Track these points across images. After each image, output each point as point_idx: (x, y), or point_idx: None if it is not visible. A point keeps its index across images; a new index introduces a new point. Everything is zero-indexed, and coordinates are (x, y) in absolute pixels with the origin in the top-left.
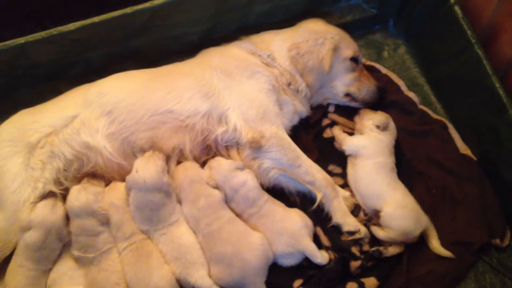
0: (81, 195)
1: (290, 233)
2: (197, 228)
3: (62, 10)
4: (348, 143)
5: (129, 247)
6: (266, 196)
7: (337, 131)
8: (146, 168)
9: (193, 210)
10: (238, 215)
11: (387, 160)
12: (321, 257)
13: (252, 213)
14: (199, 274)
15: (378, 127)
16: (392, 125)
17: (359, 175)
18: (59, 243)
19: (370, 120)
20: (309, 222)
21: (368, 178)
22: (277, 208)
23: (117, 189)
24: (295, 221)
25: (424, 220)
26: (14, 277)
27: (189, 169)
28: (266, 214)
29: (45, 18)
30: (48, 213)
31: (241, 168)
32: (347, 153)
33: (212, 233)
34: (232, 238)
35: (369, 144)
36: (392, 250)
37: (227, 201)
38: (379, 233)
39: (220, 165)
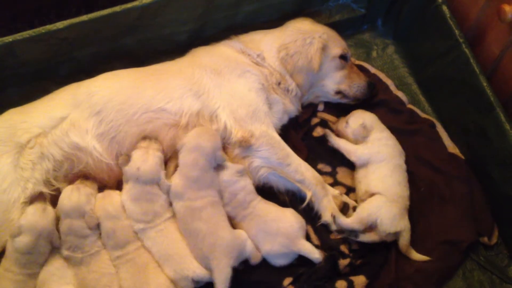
0: (73, 195)
1: (285, 234)
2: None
3: (52, 10)
4: (358, 154)
5: (125, 256)
6: (259, 197)
7: (342, 143)
8: (145, 159)
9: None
10: (232, 218)
11: (399, 160)
12: (318, 254)
13: (246, 214)
14: (194, 266)
15: (364, 127)
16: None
17: (373, 181)
18: (49, 247)
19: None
20: (303, 222)
21: (387, 181)
22: (271, 208)
23: (112, 197)
24: (291, 222)
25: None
26: (1, 282)
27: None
28: (259, 214)
29: (34, 18)
30: (39, 217)
31: (242, 173)
32: (358, 164)
33: (193, 210)
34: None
35: (380, 149)
36: (368, 237)
37: (223, 204)
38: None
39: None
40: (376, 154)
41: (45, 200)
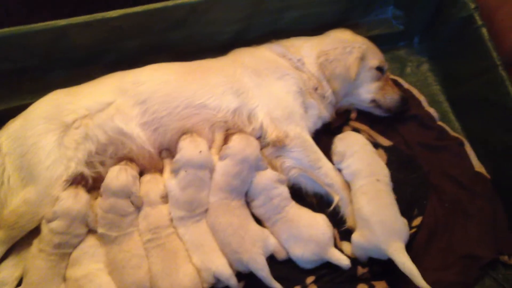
0: (121, 175)
1: (316, 241)
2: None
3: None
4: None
5: (155, 241)
6: (293, 201)
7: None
8: (197, 146)
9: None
10: (263, 220)
11: (370, 186)
12: (347, 260)
13: (279, 218)
14: (221, 262)
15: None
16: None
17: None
18: (84, 229)
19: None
20: (332, 229)
21: (362, 214)
22: (303, 214)
23: (156, 183)
24: (323, 230)
25: None
26: (34, 261)
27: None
28: (292, 219)
29: (88, 4)
30: (72, 202)
31: (282, 182)
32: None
33: (228, 205)
34: (242, 215)
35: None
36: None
37: (257, 206)
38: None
39: (265, 173)
40: (350, 183)
41: (77, 186)
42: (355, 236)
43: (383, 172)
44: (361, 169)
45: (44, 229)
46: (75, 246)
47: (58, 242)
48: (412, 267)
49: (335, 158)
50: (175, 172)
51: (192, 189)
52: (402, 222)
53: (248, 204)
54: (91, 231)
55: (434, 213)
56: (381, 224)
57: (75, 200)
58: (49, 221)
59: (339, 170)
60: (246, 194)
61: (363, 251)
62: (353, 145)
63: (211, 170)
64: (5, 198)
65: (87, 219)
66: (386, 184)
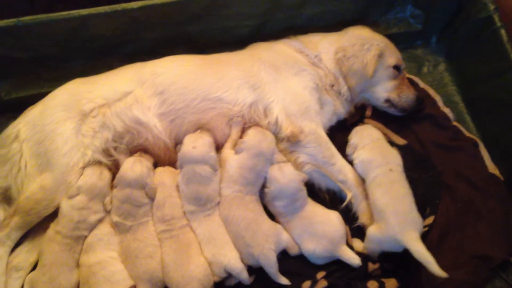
0: (136, 166)
1: (329, 238)
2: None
3: None
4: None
5: (169, 232)
6: (308, 198)
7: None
8: (196, 141)
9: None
10: (279, 215)
11: (383, 176)
12: (358, 259)
13: (295, 216)
14: (233, 255)
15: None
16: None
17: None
18: (101, 207)
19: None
20: (345, 227)
21: (378, 206)
22: (318, 210)
23: (170, 172)
24: (336, 227)
25: None
26: (50, 243)
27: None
28: (307, 216)
29: None
30: (96, 179)
31: (304, 181)
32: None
33: (242, 199)
34: (256, 210)
35: (360, 169)
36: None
37: (280, 206)
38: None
39: (292, 176)
40: (362, 175)
41: (101, 165)
42: (371, 230)
43: (396, 161)
44: (372, 159)
45: (64, 207)
46: (90, 228)
47: (77, 220)
48: (427, 254)
49: (348, 149)
50: (179, 167)
51: (195, 185)
52: (416, 211)
53: (263, 199)
54: (107, 218)
55: (447, 213)
56: (396, 215)
57: (99, 178)
58: (72, 196)
59: (351, 162)
60: (267, 193)
61: (379, 244)
62: (366, 137)
63: (212, 166)
64: (22, 184)
65: (105, 199)
66: (400, 174)
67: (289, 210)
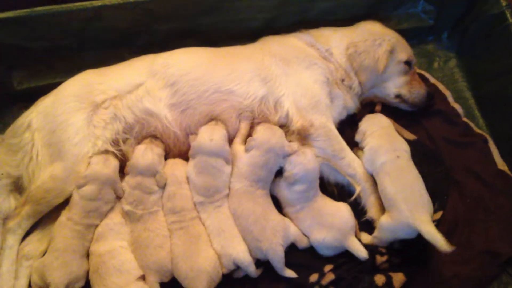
0: (147, 154)
1: (339, 229)
2: None
3: None
4: (364, 165)
5: (179, 223)
6: (319, 191)
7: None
8: (212, 133)
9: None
10: (290, 206)
11: (391, 163)
12: (365, 252)
13: (306, 206)
14: (242, 248)
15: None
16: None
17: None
18: (113, 196)
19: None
20: (354, 218)
21: (387, 194)
22: (328, 202)
23: (181, 164)
24: (345, 218)
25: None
26: (61, 229)
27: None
28: (317, 207)
29: None
30: (101, 167)
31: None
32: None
33: (251, 193)
34: (265, 204)
35: (369, 156)
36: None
37: (296, 191)
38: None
39: (310, 156)
40: (370, 162)
41: (107, 152)
42: (383, 219)
43: (403, 148)
44: (380, 145)
45: (75, 196)
46: (101, 217)
47: (89, 210)
48: (438, 236)
49: (356, 136)
50: (192, 156)
51: (206, 176)
52: (426, 194)
53: (273, 189)
54: (118, 208)
55: (455, 209)
56: (406, 201)
57: (104, 165)
58: (80, 186)
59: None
60: (288, 177)
61: (392, 232)
62: (375, 124)
63: (226, 160)
64: (33, 173)
65: (115, 186)
66: (407, 160)
67: (304, 197)
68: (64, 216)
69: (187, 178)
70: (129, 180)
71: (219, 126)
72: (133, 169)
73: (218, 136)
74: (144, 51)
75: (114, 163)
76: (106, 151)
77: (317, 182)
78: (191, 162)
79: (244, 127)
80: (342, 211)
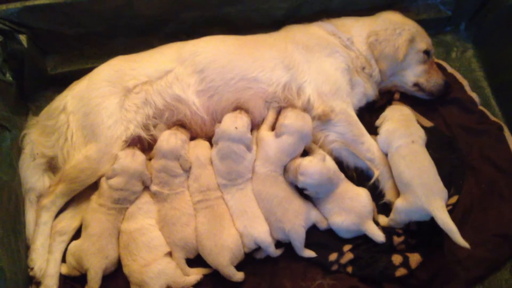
0: (171, 138)
1: (358, 213)
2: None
3: None
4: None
5: (204, 202)
6: (342, 175)
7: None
8: (237, 121)
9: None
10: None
11: (406, 148)
12: (382, 236)
13: (329, 193)
14: (263, 229)
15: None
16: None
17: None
18: (141, 186)
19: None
20: (372, 203)
21: (403, 179)
22: (349, 187)
23: (204, 147)
24: (364, 203)
25: None
26: (95, 215)
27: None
28: (339, 192)
29: None
30: (129, 161)
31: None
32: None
33: (276, 177)
34: (288, 188)
35: (384, 139)
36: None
37: (317, 196)
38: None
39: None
40: (384, 144)
41: (134, 147)
42: (399, 202)
43: (418, 134)
44: (396, 128)
45: (104, 185)
46: (132, 202)
47: (118, 198)
48: (450, 223)
49: (377, 121)
50: (215, 143)
51: (229, 161)
52: (440, 181)
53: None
54: (146, 188)
55: (470, 193)
56: (422, 187)
57: (132, 159)
58: (109, 178)
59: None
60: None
61: (407, 215)
62: (395, 112)
63: (248, 147)
64: (68, 153)
65: (143, 177)
66: (421, 146)
67: (322, 193)
68: (95, 203)
69: (211, 159)
70: (155, 163)
71: (243, 114)
72: (158, 152)
73: (241, 123)
74: (172, 38)
75: (141, 157)
76: (134, 146)
77: (336, 176)
78: (215, 148)
79: (271, 115)
80: (361, 196)
